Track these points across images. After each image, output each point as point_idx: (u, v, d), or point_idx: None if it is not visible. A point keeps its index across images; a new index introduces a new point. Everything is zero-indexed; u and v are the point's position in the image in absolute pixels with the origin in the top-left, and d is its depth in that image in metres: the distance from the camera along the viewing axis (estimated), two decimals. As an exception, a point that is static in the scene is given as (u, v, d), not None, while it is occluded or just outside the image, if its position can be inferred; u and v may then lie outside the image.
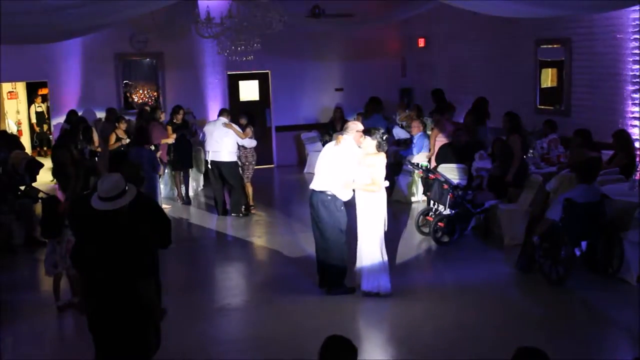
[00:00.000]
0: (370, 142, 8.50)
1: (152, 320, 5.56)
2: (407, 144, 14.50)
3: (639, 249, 8.55)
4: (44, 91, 19.19)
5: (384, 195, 8.51)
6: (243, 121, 13.15)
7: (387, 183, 8.65)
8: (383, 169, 8.47)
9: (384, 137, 8.60)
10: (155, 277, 5.85)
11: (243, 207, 13.21)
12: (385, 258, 8.54)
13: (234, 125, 12.84)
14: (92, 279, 5.39)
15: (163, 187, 14.40)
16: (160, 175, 12.62)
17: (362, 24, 17.35)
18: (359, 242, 8.57)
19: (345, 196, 8.57)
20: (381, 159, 8.46)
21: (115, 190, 5.40)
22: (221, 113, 13.24)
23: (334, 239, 8.63)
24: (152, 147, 12.55)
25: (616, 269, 8.92)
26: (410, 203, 13.48)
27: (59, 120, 16.46)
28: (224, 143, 12.82)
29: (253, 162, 13.16)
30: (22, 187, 12.42)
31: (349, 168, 8.48)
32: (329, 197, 8.55)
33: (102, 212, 5.37)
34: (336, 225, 8.60)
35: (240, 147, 12.99)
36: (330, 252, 8.68)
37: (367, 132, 8.63)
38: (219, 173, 13.02)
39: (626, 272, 8.80)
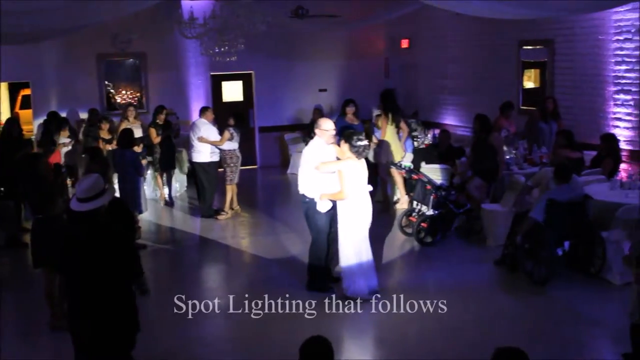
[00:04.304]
0: (345, 147, 8.37)
1: (133, 319, 5.53)
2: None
3: (620, 248, 8.62)
4: (26, 92, 19.05)
5: (358, 202, 8.34)
6: (232, 122, 13.11)
7: (370, 187, 8.59)
8: (351, 175, 8.24)
9: (358, 142, 8.29)
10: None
11: (214, 210, 13.23)
12: (363, 262, 8.46)
13: (207, 135, 12.79)
14: (74, 281, 5.36)
15: (146, 188, 14.37)
16: (144, 178, 12.57)
17: (346, 25, 17.36)
18: (338, 245, 8.59)
19: (322, 207, 8.55)
20: (347, 165, 8.26)
21: (93, 190, 5.35)
22: (201, 112, 13.22)
23: (313, 239, 8.82)
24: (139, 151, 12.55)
25: (598, 268, 8.98)
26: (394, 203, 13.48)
27: (40, 121, 16.34)
28: (195, 143, 12.86)
29: (232, 165, 12.96)
30: (2, 188, 12.34)
31: (313, 169, 8.50)
32: (307, 200, 8.62)
33: (80, 213, 5.31)
34: (314, 227, 8.72)
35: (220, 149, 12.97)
36: (310, 251, 8.88)
37: (343, 136, 8.52)
38: (194, 173, 13.08)
39: (608, 272, 8.85)
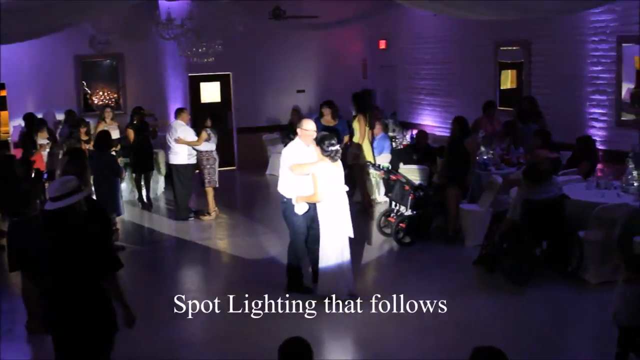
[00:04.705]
0: (317, 149, 8.36)
1: (111, 320, 5.49)
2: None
3: (597, 248, 8.69)
4: (1, 93, 18.87)
5: (335, 204, 8.34)
6: (208, 123, 13.06)
7: (346, 188, 8.58)
8: (325, 177, 8.23)
9: (330, 147, 8.22)
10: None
11: (192, 212, 13.18)
12: (344, 263, 8.44)
13: (184, 135, 12.76)
14: (49, 282, 5.32)
15: (124, 190, 14.29)
16: (122, 180, 12.53)
17: (324, 26, 17.36)
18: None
19: (299, 209, 8.54)
20: (320, 167, 8.25)
21: (64, 188, 5.28)
22: (177, 114, 13.20)
23: (291, 240, 8.83)
24: (114, 152, 12.50)
25: (575, 267, 9.04)
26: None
27: (16, 123, 16.21)
28: (172, 145, 12.83)
29: (208, 166, 12.91)
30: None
31: (289, 170, 8.51)
32: (285, 200, 8.62)
33: (53, 213, 5.23)
34: (291, 228, 8.74)
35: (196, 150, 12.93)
36: (288, 252, 8.91)
37: (317, 139, 8.51)
38: (171, 175, 13.06)
39: (584, 271, 8.92)
